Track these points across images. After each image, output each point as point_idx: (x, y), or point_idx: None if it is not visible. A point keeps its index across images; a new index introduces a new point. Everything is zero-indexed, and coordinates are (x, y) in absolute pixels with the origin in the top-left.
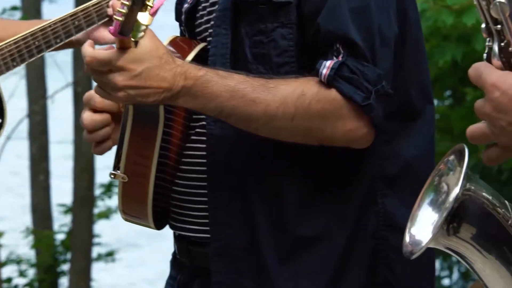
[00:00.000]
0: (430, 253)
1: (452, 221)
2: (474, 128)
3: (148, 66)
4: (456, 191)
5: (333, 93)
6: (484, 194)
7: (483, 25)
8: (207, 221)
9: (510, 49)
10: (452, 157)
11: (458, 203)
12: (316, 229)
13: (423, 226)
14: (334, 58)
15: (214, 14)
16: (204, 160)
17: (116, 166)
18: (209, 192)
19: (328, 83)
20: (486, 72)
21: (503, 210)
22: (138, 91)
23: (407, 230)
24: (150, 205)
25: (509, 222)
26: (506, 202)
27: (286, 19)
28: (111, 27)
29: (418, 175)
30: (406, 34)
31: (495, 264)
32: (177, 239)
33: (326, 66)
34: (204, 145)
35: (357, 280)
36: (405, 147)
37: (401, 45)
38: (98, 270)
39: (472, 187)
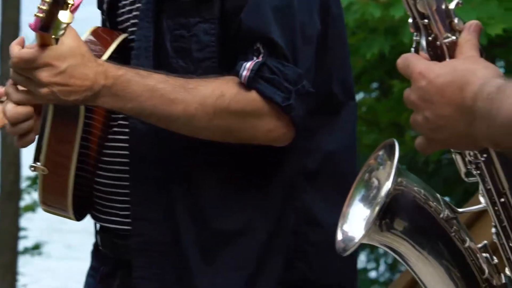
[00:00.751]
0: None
1: (385, 217)
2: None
3: (72, 64)
4: (387, 186)
5: (253, 94)
6: (415, 188)
7: (410, 20)
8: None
9: (437, 43)
10: (381, 152)
11: (390, 198)
12: (237, 225)
13: (355, 222)
14: (254, 58)
15: (136, 5)
16: (127, 153)
17: (36, 159)
18: (131, 187)
19: (249, 85)
20: (414, 62)
21: (435, 203)
22: (61, 88)
23: (339, 227)
24: (70, 196)
25: (441, 215)
26: (438, 195)
27: (208, 14)
28: (31, 22)
29: (338, 171)
30: (329, 30)
31: (428, 258)
32: (101, 230)
33: (246, 68)
34: (127, 137)
35: (275, 275)
36: (326, 143)
37: (324, 41)
38: (25, 263)
39: (404, 182)
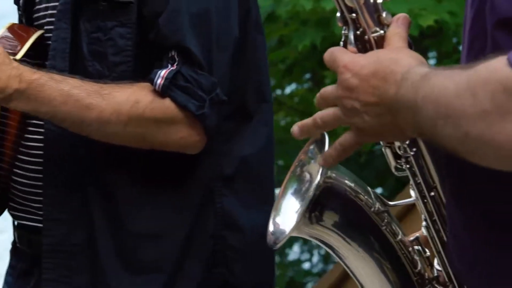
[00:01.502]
0: (268, 250)
1: (314, 209)
2: (325, 113)
3: None
4: (317, 179)
5: (167, 101)
6: (346, 181)
7: (338, 14)
8: None
9: (365, 37)
10: (312, 146)
11: (319, 191)
12: (154, 227)
13: (287, 215)
14: (169, 65)
15: (52, 3)
16: (37, 158)
17: None
18: (44, 187)
19: (163, 93)
20: (339, 55)
21: (366, 196)
22: None
23: (271, 220)
24: None
25: (372, 209)
26: (369, 189)
27: (126, 19)
28: None
29: (255, 174)
30: (247, 35)
31: (359, 251)
32: (18, 227)
33: (161, 76)
34: (42, 137)
35: (194, 279)
36: (241, 147)
37: (241, 46)
38: None
39: (334, 175)
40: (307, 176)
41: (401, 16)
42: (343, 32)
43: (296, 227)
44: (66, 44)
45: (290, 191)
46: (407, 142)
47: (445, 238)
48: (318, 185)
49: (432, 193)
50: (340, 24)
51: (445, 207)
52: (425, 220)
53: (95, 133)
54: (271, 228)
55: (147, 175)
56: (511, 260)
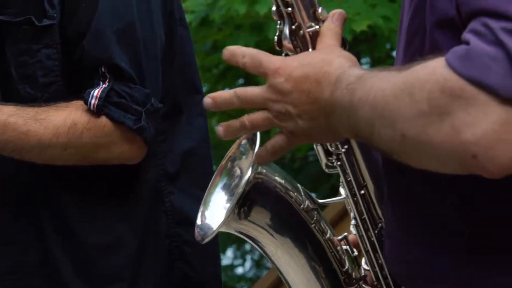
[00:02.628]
0: (214, 238)
1: (244, 205)
2: (253, 116)
3: None
4: (247, 174)
5: (103, 120)
6: (276, 178)
7: (274, 8)
8: None
9: (301, 31)
10: (244, 141)
11: (249, 187)
12: (107, 236)
13: (216, 210)
14: (101, 83)
15: None
16: None
17: None
18: None
19: (98, 112)
20: (266, 59)
21: (295, 194)
22: None
23: (199, 215)
24: None
25: (302, 206)
26: (299, 186)
27: (50, 40)
28: None
29: (197, 166)
30: (173, 35)
31: (287, 247)
32: None
33: (94, 96)
34: None
35: (154, 279)
36: (179, 143)
37: (169, 46)
38: None
39: (264, 171)
40: (238, 171)
41: (337, 12)
42: (278, 27)
43: (225, 222)
44: None
45: (220, 185)
46: None
47: (373, 238)
48: (248, 180)
49: (362, 192)
50: (275, 18)
51: (374, 206)
52: (355, 218)
53: (36, 158)
54: (199, 222)
55: (93, 187)
56: (444, 260)
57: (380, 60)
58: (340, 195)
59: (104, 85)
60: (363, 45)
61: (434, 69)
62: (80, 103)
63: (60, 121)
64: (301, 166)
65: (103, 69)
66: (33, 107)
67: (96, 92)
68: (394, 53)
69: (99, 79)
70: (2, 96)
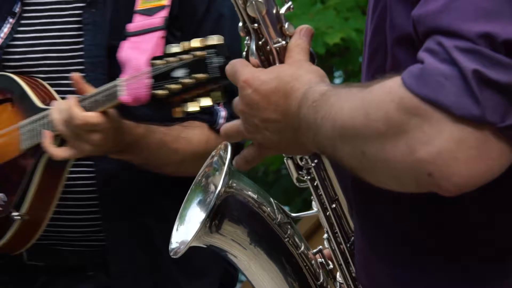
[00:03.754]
0: None
1: (215, 218)
2: (229, 126)
3: None
4: (218, 188)
5: None
6: (249, 192)
7: (240, 24)
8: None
9: (267, 47)
10: (216, 158)
11: (220, 200)
12: None
13: (191, 225)
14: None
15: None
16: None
17: (16, 207)
18: (103, 221)
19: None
20: (240, 69)
21: (268, 208)
22: None
23: (174, 229)
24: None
25: (275, 220)
26: (272, 200)
27: None
28: None
29: None
30: None
31: (260, 261)
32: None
33: (222, 117)
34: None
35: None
36: None
37: None
38: None
39: (235, 185)
40: (212, 187)
41: (304, 27)
42: (245, 42)
43: (196, 236)
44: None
45: (195, 201)
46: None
47: (346, 251)
48: (219, 194)
49: (334, 205)
50: (242, 34)
51: (346, 219)
52: (327, 232)
53: (172, 171)
54: (173, 237)
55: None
56: (405, 272)
57: (354, 74)
58: (313, 209)
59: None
60: (336, 58)
61: (391, 88)
62: (198, 123)
63: (197, 140)
64: (274, 180)
65: None
66: (176, 126)
67: (224, 113)
68: None
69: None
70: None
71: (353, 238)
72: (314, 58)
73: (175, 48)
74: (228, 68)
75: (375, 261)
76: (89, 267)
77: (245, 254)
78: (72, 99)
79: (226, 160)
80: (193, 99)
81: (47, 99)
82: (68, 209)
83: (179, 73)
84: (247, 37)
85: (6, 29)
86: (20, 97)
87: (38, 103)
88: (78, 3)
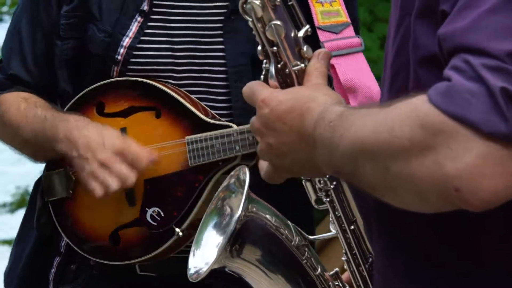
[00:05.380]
0: None
1: (235, 243)
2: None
3: None
4: (238, 212)
5: None
6: (267, 215)
7: (259, 48)
8: None
9: (286, 70)
10: (233, 180)
11: (240, 224)
12: None
13: (208, 249)
14: None
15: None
16: None
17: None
18: None
19: None
20: (258, 89)
21: (286, 231)
22: None
23: (191, 254)
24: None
25: (293, 242)
26: (290, 223)
27: None
28: None
29: None
30: None
31: (280, 284)
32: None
33: None
34: None
35: None
36: None
37: None
38: None
39: (254, 208)
40: (228, 209)
41: (322, 51)
42: (264, 66)
43: (217, 260)
44: None
45: (211, 224)
46: (327, 176)
47: (365, 272)
48: (239, 218)
49: (352, 227)
50: (261, 57)
51: (364, 241)
52: (346, 253)
53: None
54: (191, 262)
55: None
56: None
57: None
58: (327, 230)
59: None
60: None
61: (416, 106)
62: None
63: None
64: None
65: None
66: None
67: None
68: None
69: None
70: None
71: (371, 259)
72: (331, 81)
73: None
74: (245, 89)
75: (395, 282)
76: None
77: (264, 278)
78: None
79: (245, 183)
80: None
81: (209, 113)
82: None
83: None
84: (265, 61)
85: (134, 27)
86: (174, 108)
87: (203, 117)
88: (218, 9)
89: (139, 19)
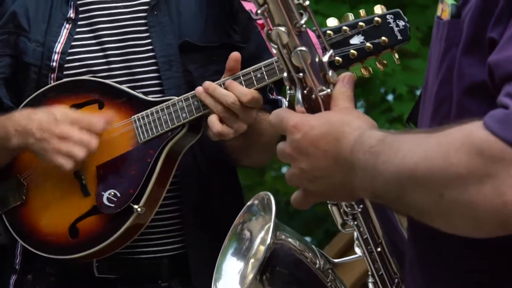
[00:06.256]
0: None
1: (265, 271)
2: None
3: None
4: (267, 240)
5: None
6: (291, 240)
7: (285, 74)
8: None
9: (312, 96)
10: (256, 202)
11: (269, 253)
12: None
13: (230, 277)
14: None
15: None
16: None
17: (135, 201)
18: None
19: None
20: (287, 116)
21: (310, 254)
22: None
23: (213, 283)
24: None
25: (317, 265)
26: (313, 246)
27: None
28: None
29: None
30: None
31: None
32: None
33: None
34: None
35: None
36: None
37: None
38: None
39: (281, 235)
40: (247, 234)
41: (347, 74)
42: (289, 92)
43: None
44: None
45: (230, 251)
46: None
47: None
48: (269, 247)
49: (379, 249)
50: (286, 84)
51: (389, 261)
52: (372, 275)
53: (255, 157)
54: None
55: None
56: None
57: (375, 104)
58: (340, 248)
59: None
60: (359, 89)
61: (471, 132)
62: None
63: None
64: (295, 211)
65: None
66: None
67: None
68: (388, 97)
69: None
70: None
71: (397, 280)
72: (356, 104)
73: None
74: (272, 117)
75: None
76: (165, 277)
77: None
78: (229, 81)
79: (272, 211)
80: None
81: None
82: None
83: (356, 40)
84: (290, 87)
85: (64, 34)
86: (115, 96)
87: (144, 97)
88: (140, 6)
89: (67, 26)
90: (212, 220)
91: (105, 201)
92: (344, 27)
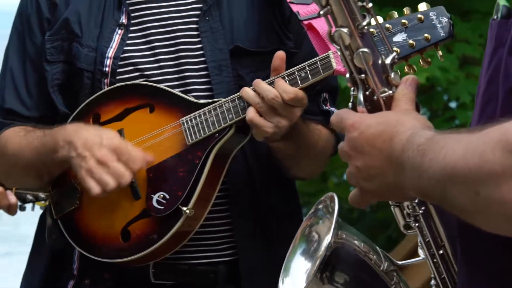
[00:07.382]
0: None
1: (325, 269)
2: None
3: None
4: (328, 239)
5: None
6: (355, 241)
7: (348, 75)
8: None
9: (374, 97)
10: (321, 206)
11: (330, 251)
12: None
13: (297, 276)
14: None
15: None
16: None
17: (184, 202)
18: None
19: None
20: (346, 115)
21: (375, 256)
22: None
23: (280, 281)
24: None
25: (381, 268)
26: (378, 248)
27: None
28: None
29: None
30: None
31: None
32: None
33: None
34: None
35: None
36: None
37: None
38: None
39: (344, 235)
40: (315, 236)
41: (410, 77)
42: (352, 93)
43: (308, 287)
44: None
45: (299, 251)
46: (415, 201)
47: None
48: (329, 245)
49: (441, 251)
50: (349, 85)
51: (452, 265)
52: (434, 278)
53: (304, 165)
54: None
55: None
56: None
57: (438, 112)
58: (404, 254)
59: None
60: (422, 96)
61: (507, 130)
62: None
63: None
64: (358, 217)
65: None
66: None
67: None
68: (451, 105)
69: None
70: None
71: None
72: (419, 108)
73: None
74: (333, 117)
75: None
76: (221, 284)
77: None
78: (277, 79)
79: (334, 210)
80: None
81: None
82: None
83: (399, 37)
84: (353, 88)
85: (116, 39)
86: (166, 99)
87: (194, 99)
88: (191, 11)
89: (119, 31)
90: (264, 225)
91: (154, 203)
92: (387, 25)
